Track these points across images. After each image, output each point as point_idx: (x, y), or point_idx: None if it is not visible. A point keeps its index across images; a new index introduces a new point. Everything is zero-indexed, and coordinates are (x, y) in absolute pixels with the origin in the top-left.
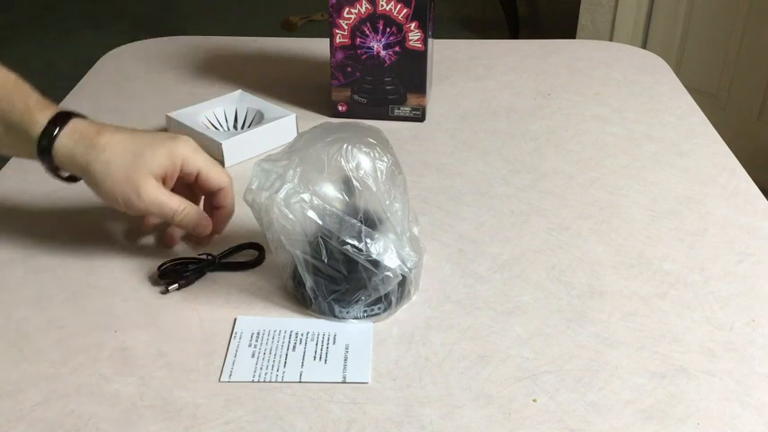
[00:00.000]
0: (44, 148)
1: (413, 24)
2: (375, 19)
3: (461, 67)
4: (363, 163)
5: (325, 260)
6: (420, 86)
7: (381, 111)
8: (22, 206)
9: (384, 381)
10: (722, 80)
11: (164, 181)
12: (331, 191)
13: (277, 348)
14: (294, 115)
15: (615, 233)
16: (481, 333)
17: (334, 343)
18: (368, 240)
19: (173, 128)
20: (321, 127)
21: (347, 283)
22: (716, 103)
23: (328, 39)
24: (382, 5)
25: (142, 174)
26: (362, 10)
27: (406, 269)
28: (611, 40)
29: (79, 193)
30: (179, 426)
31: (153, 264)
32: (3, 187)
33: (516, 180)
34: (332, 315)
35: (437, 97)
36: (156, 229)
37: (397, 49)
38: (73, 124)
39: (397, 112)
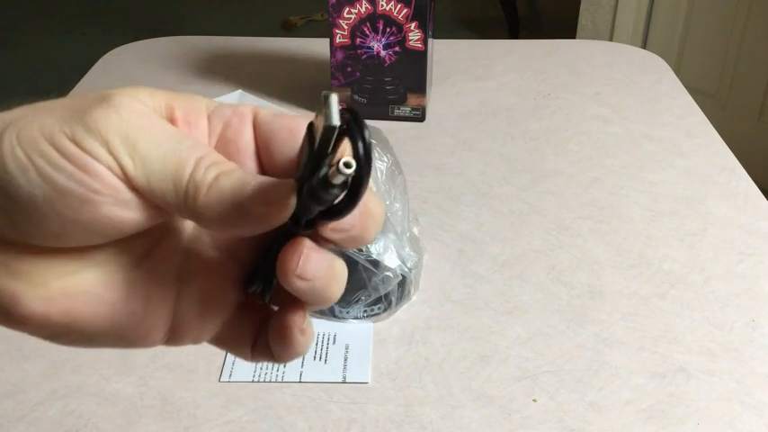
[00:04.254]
0: None
1: (413, 24)
2: (375, 19)
3: (461, 67)
4: None
5: None
6: (420, 86)
7: (381, 111)
8: None
9: (384, 381)
10: (722, 80)
11: None
12: None
13: None
14: None
15: (615, 233)
16: (481, 333)
17: (334, 343)
18: None
19: None
20: None
21: (347, 283)
22: (716, 103)
23: (328, 39)
24: (382, 5)
25: None
26: (362, 10)
27: (406, 269)
28: (611, 40)
29: None
30: (179, 426)
31: None
32: None
33: (516, 180)
34: (332, 315)
35: (437, 97)
36: None
37: (397, 49)
38: None
39: (397, 112)
